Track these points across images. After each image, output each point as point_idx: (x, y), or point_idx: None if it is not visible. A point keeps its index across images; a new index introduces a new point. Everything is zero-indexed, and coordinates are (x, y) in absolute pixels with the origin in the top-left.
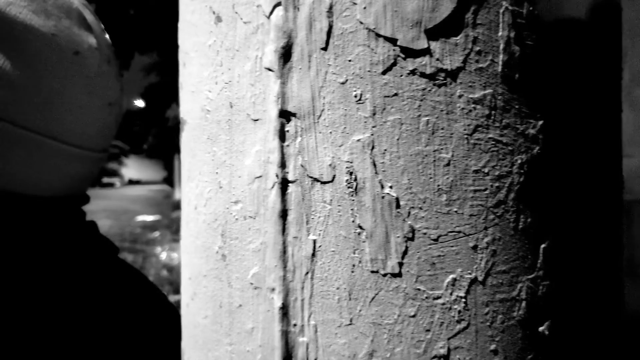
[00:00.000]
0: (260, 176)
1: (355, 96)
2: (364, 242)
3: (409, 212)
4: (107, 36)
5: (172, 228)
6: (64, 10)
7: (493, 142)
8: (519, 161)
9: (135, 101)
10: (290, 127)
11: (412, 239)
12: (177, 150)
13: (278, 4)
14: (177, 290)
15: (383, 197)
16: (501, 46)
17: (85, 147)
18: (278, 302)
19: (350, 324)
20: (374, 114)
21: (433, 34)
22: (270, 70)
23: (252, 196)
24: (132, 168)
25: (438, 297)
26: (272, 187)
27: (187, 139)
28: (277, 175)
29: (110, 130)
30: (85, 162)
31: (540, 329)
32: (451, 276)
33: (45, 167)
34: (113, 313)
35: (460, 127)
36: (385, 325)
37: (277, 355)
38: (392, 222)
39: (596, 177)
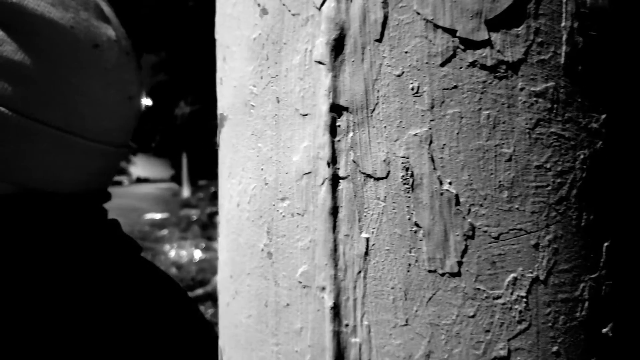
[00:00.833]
0: (309, 172)
1: (412, 89)
2: (420, 240)
3: (469, 209)
4: (123, 29)
5: (180, 226)
6: (82, 2)
7: (555, 137)
8: (582, 156)
9: (143, 99)
10: (341, 122)
11: (472, 237)
12: (184, 148)
13: None
14: (186, 288)
15: (442, 194)
16: (564, 37)
17: (105, 141)
18: (329, 302)
19: (406, 325)
20: (432, 107)
21: (494, 24)
22: (321, 63)
23: (300, 193)
24: (140, 166)
25: (498, 297)
26: (322, 184)
27: (228, 135)
28: (327, 172)
29: (130, 124)
30: (105, 157)
31: (604, 330)
32: (512, 275)
33: (64, 163)
34: (135, 312)
35: (521, 121)
36: (443, 326)
37: (328, 356)
38: (451, 220)
39: None
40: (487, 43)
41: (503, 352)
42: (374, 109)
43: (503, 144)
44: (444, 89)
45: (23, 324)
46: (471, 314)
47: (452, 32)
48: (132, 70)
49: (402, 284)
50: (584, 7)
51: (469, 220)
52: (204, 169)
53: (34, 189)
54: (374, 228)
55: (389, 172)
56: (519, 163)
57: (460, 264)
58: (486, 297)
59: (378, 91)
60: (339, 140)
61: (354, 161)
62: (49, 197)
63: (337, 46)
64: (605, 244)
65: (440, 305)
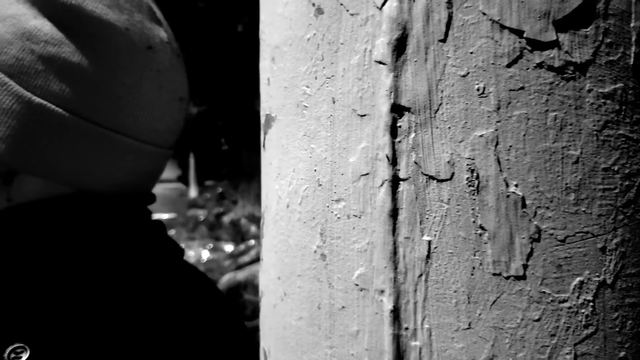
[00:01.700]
0: (367, 174)
1: (478, 90)
2: (485, 243)
3: (535, 212)
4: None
5: (187, 226)
6: (136, 4)
7: (623, 139)
8: None
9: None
10: (402, 123)
11: (537, 240)
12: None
13: None
14: None
15: (508, 196)
16: (633, 38)
17: (155, 143)
18: (388, 305)
19: (468, 328)
20: (499, 108)
21: (562, 25)
22: (381, 63)
23: (357, 194)
24: None
25: (564, 301)
26: (382, 185)
27: (276, 136)
28: (387, 173)
29: (179, 126)
30: (155, 158)
31: None
32: (578, 279)
33: (117, 165)
34: (177, 314)
35: (589, 123)
36: (507, 330)
37: (387, 359)
38: (517, 223)
39: None
40: (555, 44)
41: (569, 357)
42: (437, 110)
43: (570, 145)
44: (511, 90)
45: (70, 322)
46: (536, 317)
47: (519, 32)
48: (181, 72)
49: (466, 287)
50: None
51: (535, 222)
52: (211, 169)
53: (87, 190)
54: (436, 231)
55: (453, 174)
56: (586, 165)
57: (525, 267)
58: (552, 301)
59: (442, 91)
60: (399, 141)
61: (415, 162)
62: (100, 198)
63: (399, 46)
64: None
65: (505, 309)
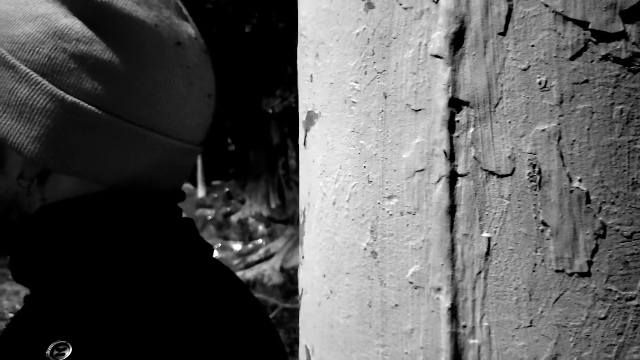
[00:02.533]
0: (423, 170)
1: (540, 83)
2: (547, 239)
3: (600, 207)
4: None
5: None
6: (163, 0)
7: None
8: None
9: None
10: (460, 117)
11: (603, 236)
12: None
13: None
14: None
15: (571, 192)
16: None
17: (186, 140)
18: (446, 303)
19: (530, 326)
20: (561, 102)
21: (629, 16)
22: (438, 57)
23: (411, 191)
24: None
25: (632, 298)
26: (438, 181)
27: (320, 132)
28: (444, 169)
29: (207, 122)
30: (185, 155)
31: None
32: None
33: (149, 162)
34: (209, 312)
35: None
36: (571, 328)
37: (444, 357)
38: (581, 218)
39: None
40: (622, 35)
41: (637, 356)
42: (497, 104)
43: (637, 139)
44: (574, 83)
45: (107, 319)
46: (602, 315)
47: (583, 24)
48: (209, 68)
49: (527, 284)
50: None
51: (600, 218)
52: (218, 169)
53: (118, 187)
54: (496, 227)
55: (514, 169)
56: None
57: (590, 263)
58: (618, 298)
59: (502, 85)
60: (457, 136)
61: (474, 157)
62: (132, 195)
63: (457, 40)
64: None
65: (568, 306)
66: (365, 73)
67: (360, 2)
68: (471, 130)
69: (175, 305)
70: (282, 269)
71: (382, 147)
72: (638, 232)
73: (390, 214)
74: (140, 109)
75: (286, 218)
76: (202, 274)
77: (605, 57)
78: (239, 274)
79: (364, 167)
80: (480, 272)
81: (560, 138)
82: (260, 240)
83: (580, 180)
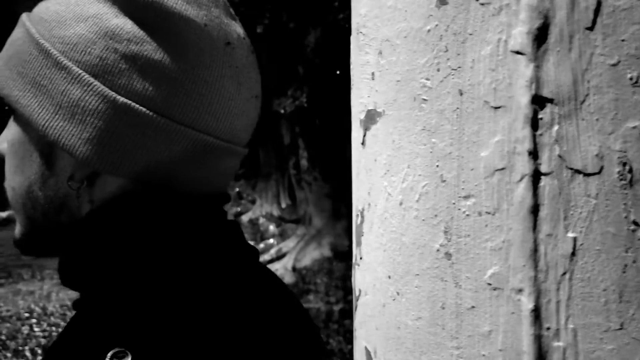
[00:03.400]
0: (503, 168)
1: (631, 79)
2: (639, 239)
3: None
4: None
5: None
6: None
7: None
8: None
9: None
10: (544, 114)
11: None
12: None
13: None
14: None
15: None
16: None
17: (234, 142)
18: (528, 305)
19: (620, 329)
20: None
21: None
22: (519, 53)
23: (490, 190)
24: None
25: None
26: (520, 180)
27: (384, 131)
28: (527, 167)
29: (253, 124)
30: (233, 157)
31: None
32: None
33: (196, 163)
34: (258, 317)
35: None
36: None
37: None
38: None
39: None
40: None
41: None
42: (583, 101)
43: None
44: None
45: (162, 325)
46: None
47: None
48: (256, 69)
49: (616, 285)
50: None
51: None
52: None
53: (166, 189)
54: (582, 227)
55: (602, 167)
56: None
57: None
58: None
59: (588, 82)
60: (541, 134)
61: (559, 156)
62: (181, 197)
63: (540, 36)
64: None
65: None
66: (438, 70)
67: None
68: (555, 127)
69: (229, 309)
70: (294, 269)
71: (458, 145)
72: None
73: (467, 215)
74: (190, 110)
75: (297, 218)
76: (254, 279)
77: None
78: None
79: (437, 166)
80: (565, 273)
81: None
82: (271, 240)
83: None
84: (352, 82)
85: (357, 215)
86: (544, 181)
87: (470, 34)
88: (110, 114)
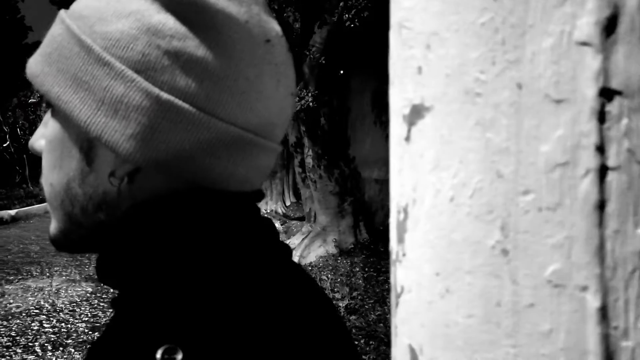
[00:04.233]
0: (566, 163)
1: None
2: None
3: None
4: None
5: None
6: None
7: None
8: None
9: None
10: (612, 107)
11: None
12: None
13: None
14: None
15: None
16: None
17: (272, 138)
18: (594, 303)
19: None
20: None
21: None
22: (585, 44)
23: (551, 186)
24: None
25: None
26: (585, 175)
27: (432, 126)
28: (593, 162)
29: (289, 121)
30: (270, 154)
31: None
32: None
33: (237, 160)
34: (293, 315)
35: None
36: None
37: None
38: None
39: None
40: None
41: None
42: None
43: None
44: None
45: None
46: None
47: None
48: (292, 66)
49: None
50: None
51: None
52: None
53: (206, 186)
54: None
55: None
56: None
57: None
58: None
59: None
60: (608, 128)
61: (628, 150)
62: (220, 195)
63: (609, 26)
64: None
65: None
66: (493, 63)
67: None
68: (624, 121)
69: (270, 305)
70: None
71: (516, 139)
72: None
73: (526, 211)
74: (232, 107)
75: (302, 215)
76: (293, 277)
77: None
78: None
79: (492, 161)
80: (634, 271)
81: None
82: None
83: None
84: (392, 77)
85: (399, 212)
86: (611, 176)
87: (531, 26)
88: (153, 110)
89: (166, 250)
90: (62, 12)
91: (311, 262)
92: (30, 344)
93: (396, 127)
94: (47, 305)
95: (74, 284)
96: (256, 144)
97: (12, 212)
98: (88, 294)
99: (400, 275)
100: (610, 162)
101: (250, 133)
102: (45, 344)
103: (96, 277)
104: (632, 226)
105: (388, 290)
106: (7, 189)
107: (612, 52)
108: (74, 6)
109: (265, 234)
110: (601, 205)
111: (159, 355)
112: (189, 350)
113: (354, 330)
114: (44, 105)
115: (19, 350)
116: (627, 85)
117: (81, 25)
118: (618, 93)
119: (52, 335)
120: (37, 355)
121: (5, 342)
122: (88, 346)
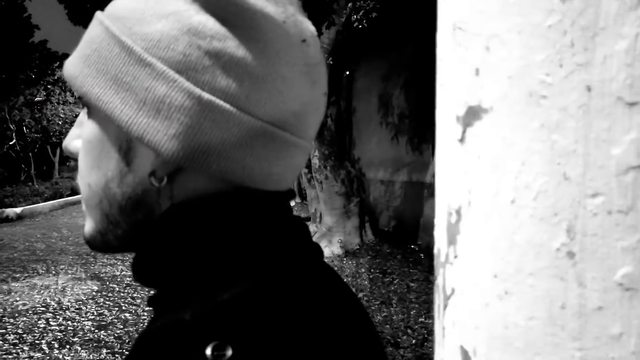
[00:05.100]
0: (638, 166)
1: None
2: None
3: None
4: None
5: None
6: None
7: None
8: None
9: None
10: None
11: None
12: None
13: None
14: None
15: None
16: None
17: (306, 137)
18: None
19: None
20: None
21: None
22: None
23: (622, 189)
24: None
25: None
26: None
27: (491, 129)
28: None
29: (320, 121)
30: (304, 153)
31: None
32: None
33: (275, 160)
34: (327, 316)
35: None
36: None
37: None
38: None
39: None
40: None
41: None
42: None
43: None
44: None
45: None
46: None
47: None
48: (325, 66)
49: None
50: None
51: None
52: None
53: (244, 186)
54: None
55: None
56: None
57: None
58: None
59: None
60: None
61: None
62: (257, 195)
63: None
64: None
65: None
66: (561, 66)
67: None
68: None
69: (313, 304)
70: None
71: (584, 142)
72: None
73: (595, 213)
74: (271, 107)
75: (307, 216)
76: (327, 278)
77: None
78: None
79: (558, 163)
80: None
81: None
82: None
83: None
84: (441, 79)
85: (451, 214)
86: None
87: (602, 29)
88: (196, 110)
89: (209, 248)
90: (98, 13)
91: None
92: (37, 341)
93: (447, 128)
94: (53, 303)
95: (79, 282)
96: (293, 143)
97: (18, 209)
98: (94, 292)
99: (451, 277)
100: None
101: (287, 132)
102: (52, 342)
103: (132, 277)
104: None
105: (394, 292)
106: (13, 187)
107: None
108: (110, 8)
109: (300, 233)
110: None
111: (208, 351)
112: (238, 346)
113: None
114: (80, 106)
115: (25, 348)
116: None
117: (120, 26)
118: None
119: (59, 333)
120: (44, 353)
121: (12, 340)
122: (131, 343)
